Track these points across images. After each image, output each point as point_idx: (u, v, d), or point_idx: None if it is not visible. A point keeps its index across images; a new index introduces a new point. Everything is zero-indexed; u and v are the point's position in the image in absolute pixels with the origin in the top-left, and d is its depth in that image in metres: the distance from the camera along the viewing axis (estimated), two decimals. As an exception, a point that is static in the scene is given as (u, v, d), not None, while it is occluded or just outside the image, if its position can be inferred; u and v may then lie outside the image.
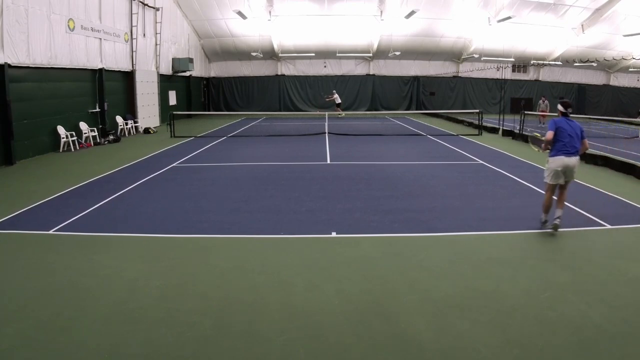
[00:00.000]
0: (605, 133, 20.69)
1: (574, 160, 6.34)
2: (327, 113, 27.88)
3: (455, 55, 32.89)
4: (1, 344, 3.71)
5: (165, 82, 24.32)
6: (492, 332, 3.89)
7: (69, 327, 3.99)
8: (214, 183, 9.98)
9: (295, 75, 33.20)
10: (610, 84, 35.56)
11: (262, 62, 32.47)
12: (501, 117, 20.01)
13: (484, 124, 20.37)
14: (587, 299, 4.49)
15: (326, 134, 18.54)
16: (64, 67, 14.96)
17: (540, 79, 34.84)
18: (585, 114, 30.67)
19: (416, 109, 32.92)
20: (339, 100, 29.01)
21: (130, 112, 20.29)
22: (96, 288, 4.76)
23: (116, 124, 18.68)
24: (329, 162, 12.55)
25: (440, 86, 33.93)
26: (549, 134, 6.40)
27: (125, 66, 19.58)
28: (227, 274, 5.18)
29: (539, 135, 7.25)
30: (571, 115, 6.57)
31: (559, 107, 6.66)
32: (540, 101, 24.21)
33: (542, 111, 23.29)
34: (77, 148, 15.10)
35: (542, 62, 31.83)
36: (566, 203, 8.25)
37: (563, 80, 35.04)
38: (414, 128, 22.22)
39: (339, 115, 28.42)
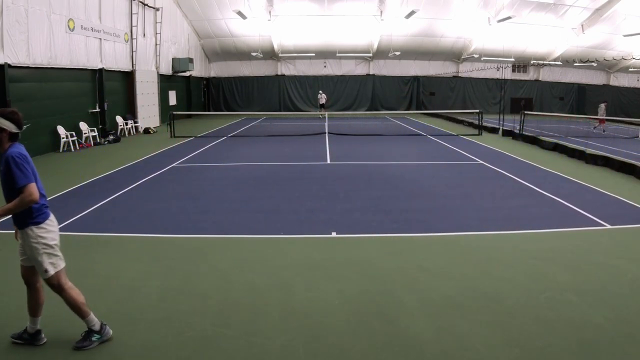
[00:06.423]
0: (605, 133, 20.68)
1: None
2: (327, 113, 27.86)
3: (455, 55, 32.89)
4: (1, 344, 3.72)
5: (165, 82, 24.31)
6: (492, 332, 3.89)
7: (69, 327, 3.98)
8: (214, 183, 9.98)
9: (295, 75, 33.20)
10: (610, 84, 35.56)
11: (262, 62, 32.46)
12: (501, 117, 20.01)
13: (484, 124, 20.37)
14: (587, 299, 4.49)
15: (326, 134, 18.54)
16: (64, 67, 14.95)
17: (540, 79, 34.86)
18: (585, 114, 30.65)
19: (416, 109, 32.92)
20: (322, 101, 29.05)
21: (130, 112, 20.29)
22: (96, 288, 4.76)
23: (116, 124, 18.67)
24: (329, 162, 12.55)
25: (440, 86, 33.93)
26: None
27: (125, 66, 19.57)
28: (227, 274, 5.17)
29: None
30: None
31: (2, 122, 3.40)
32: (604, 105, 21.70)
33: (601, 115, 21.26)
34: (77, 148, 15.09)
35: (542, 62, 31.82)
36: (566, 203, 8.32)
37: (563, 80, 35.07)
38: (414, 128, 22.22)
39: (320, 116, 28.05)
